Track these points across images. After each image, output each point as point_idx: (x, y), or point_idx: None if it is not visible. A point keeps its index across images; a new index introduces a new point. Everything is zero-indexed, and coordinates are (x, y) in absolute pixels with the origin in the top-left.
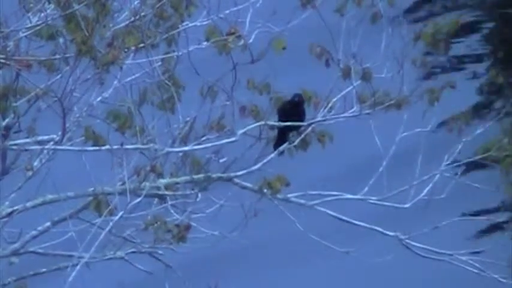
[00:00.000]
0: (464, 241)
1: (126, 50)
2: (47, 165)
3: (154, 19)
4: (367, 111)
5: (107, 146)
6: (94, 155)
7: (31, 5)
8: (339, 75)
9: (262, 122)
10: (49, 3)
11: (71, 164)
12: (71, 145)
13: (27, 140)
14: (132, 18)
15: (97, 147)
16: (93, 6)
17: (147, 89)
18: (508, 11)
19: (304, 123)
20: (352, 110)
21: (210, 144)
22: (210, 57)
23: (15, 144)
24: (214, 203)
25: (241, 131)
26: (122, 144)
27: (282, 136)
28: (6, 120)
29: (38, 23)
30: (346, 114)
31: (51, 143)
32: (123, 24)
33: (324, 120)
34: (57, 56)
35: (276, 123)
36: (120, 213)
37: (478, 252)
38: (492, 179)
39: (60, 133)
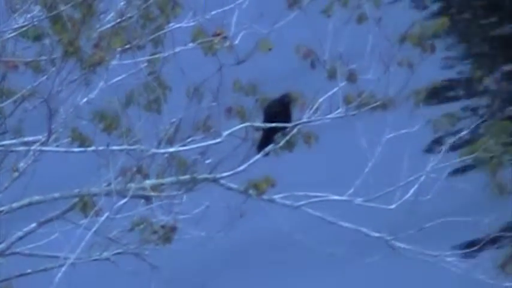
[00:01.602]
0: (451, 242)
1: (112, 51)
2: (33, 166)
3: (140, 20)
4: (353, 113)
5: (93, 147)
6: (80, 156)
7: (17, 6)
8: (325, 76)
9: (248, 123)
10: (35, 4)
11: (57, 165)
12: (57, 146)
13: (13, 141)
14: (118, 20)
15: (83, 148)
16: (79, 7)
17: (133, 90)
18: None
19: (290, 124)
20: (338, 111)
21: (195, 145)
22: (196, 58)
23: (1, 145)
24: (200, 204)
25: (227, 132)
26: (108, 145)
27: (267, 137)
28: None
29: (24, 24)
30: (331, 116)
31: (37, 144)
32: (109, 25)
33: (310, 122)
34: (44, 57)
35: (262, 125)
36: (106, 214)
37: (464, 254)
38: (479, 181)
39: (46, 134)
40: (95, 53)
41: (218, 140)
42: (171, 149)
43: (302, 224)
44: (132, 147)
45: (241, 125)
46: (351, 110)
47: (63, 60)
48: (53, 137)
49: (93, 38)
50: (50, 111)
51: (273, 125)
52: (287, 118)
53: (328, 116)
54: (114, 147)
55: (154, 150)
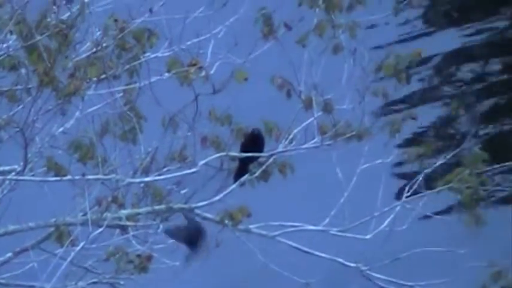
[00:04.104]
0: (425, 273)
1: (88, 80)
2: (8, 195)
3: (116, 50)
4: (328, 143)
5: (69, 177)
6: (56, 186)
7: None
8: (301, 106)
9: (224, 153)
10: (11, 33)
11: (32, 194)
12: (33, 175)
13: None
14: (94, 49)
15: (59, 178)
16: (55, 37)
17: (108, 120)
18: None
19: (265, 154)
20: (313, 141)
21: (171, 175)
22: (171, 88)
23: None
24: None
25: (202, 162)
26: (83, 175)
27: (243, 167)
28: None
29: (0, 53)
30: (307, 146)
31: (13, 173)
32: (85, 55)
33: (285, 151)
34: (19, 87)
35: (237, 154)
36: (82, 244)
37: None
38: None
39: (21, 163)
40: (70, 82)
41: (194, 169)
42: (147, 179)
43: (277, 254)
44: (108, 177)
45: (217, 155)
46: (326, 140)
47: (39, 90)
48: (29, 166)
49: (69, 68)
50: (25, 141)
51: (249, 154)
52: (259, 149)
53: (304, 146)
54: (90, 177)
55: (129, 180)
